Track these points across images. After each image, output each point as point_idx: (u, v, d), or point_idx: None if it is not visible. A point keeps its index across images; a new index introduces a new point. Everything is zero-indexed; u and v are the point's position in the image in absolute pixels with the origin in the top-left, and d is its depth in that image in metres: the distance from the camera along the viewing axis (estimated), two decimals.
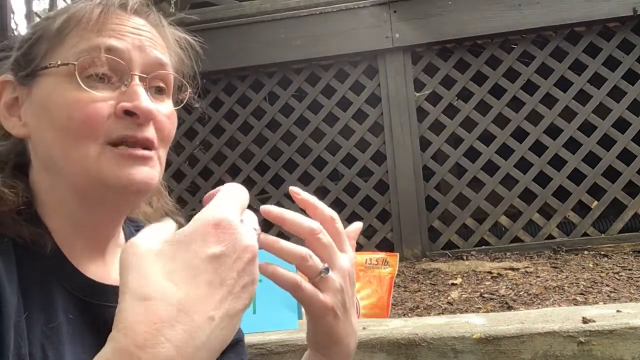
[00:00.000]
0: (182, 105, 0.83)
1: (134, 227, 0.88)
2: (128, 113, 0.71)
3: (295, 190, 0.69)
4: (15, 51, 0.78)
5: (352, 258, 0.73)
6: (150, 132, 0.73)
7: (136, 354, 0.46)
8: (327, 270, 0.68)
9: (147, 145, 0.73)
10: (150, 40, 0.77)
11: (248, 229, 0.54)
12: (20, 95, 0.76)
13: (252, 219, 0.56)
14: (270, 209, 0.67)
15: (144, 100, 0.71)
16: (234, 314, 0.51)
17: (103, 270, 0.77)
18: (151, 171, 0.73)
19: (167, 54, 0.80)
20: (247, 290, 0.52)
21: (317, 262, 0.67)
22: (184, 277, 0.50)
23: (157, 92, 0.77)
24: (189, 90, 0.84)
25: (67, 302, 0.70)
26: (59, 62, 0.72)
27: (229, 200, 0.54)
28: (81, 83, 0.70)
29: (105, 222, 0.77)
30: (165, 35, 0.81)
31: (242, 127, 3.42)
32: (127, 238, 0.85)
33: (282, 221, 0.67)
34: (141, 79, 0.73)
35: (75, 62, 0.71)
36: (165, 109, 0.76)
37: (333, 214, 0.71)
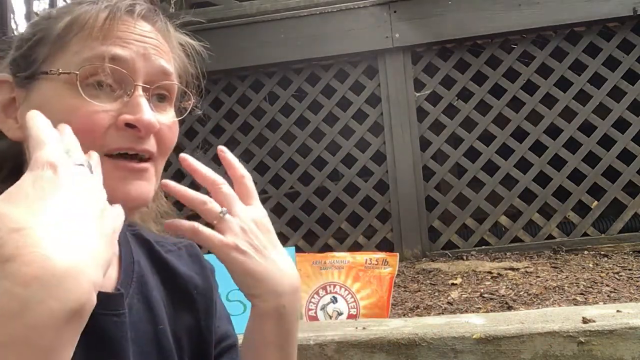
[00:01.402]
0: (185, 115, 0.82)
1: (129, 231, 0.86)
2: (129, 125, 0.70)
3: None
4: (14, 50, 0.76)
5: (260, 212, 0.80)
6: (150, 144, 0.72)
7: None
8: (224, 213, 0.75)
9: (146, 157, 0.73)
10: (156, 48, 0.75)
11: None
12: (17, 97, 0.74)
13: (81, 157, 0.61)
14: (187, 158, 0.78)
15: (146, 113, 0.70)
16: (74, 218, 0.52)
17: None
18: (147, 185, 0.73)
19: (172, 60, 0.78)
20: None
21: (215, 206, 0.75)
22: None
23: (159, 99, 0.76)
24: (192, 99, 0.83)
25: None
26: (60, 71, 0.70)
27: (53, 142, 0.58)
28: (82, 93, 0.68)
29: None
30: (170, 41, 0.79)
31: (242, 127, 3.41)
32: (120, 241, 0.82)
33: (194, 171, 0.79)
34: (144, 89, 0.72)
35: (78, 72, 0.69)
36: (166, 119, 0.75)
37: (244, 172, 0.81)
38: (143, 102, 0.70)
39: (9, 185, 0.73)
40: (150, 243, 0.86)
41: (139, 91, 0.71)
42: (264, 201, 0.81)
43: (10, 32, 4.09)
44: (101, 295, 0.71)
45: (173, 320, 0.81)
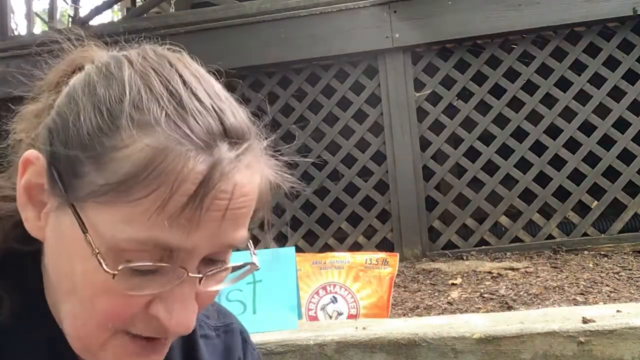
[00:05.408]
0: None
1: None
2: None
3: None
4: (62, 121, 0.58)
5: None
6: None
7: None
8: None
9: None
10: (237, 217, 0.57)
11: None
12: (48, 199, 0.58)
13: None
14: None
15: (180, 315, 0.56)
16: None
17: None
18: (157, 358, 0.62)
19: (252, 208, 0.62)
20: None
21: None
22: None
23: (214, 262, 0.60)
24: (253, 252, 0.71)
25: None
26: (97, 251, 0.53)
27: None
28: (113, 279, 0.53)
29: None
30: (258, 181, 0.63)
31: None
32: None
33: None
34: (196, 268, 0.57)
35: (116, 272, 0.53)
36: (212, 286, 0.61)
37: None
38: (186, 296, 0.56)
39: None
40: None
41: (187, 282, 0.56)
42: None
43: (10, 32, 4.09)
44: None
45: None
